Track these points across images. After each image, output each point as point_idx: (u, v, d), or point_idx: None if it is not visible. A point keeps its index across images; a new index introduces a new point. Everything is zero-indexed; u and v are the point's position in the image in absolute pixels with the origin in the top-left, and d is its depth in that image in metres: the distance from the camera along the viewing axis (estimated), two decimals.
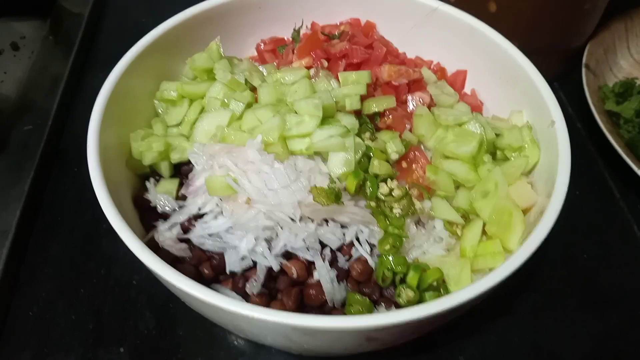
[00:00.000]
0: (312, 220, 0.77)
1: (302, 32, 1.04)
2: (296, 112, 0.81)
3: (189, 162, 0.86)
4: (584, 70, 1.21)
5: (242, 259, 0.76)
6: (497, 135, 0.87)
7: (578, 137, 1.21)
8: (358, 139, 0.80)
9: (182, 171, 0.88)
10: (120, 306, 0.92)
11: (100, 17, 1.46)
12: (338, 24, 1.05)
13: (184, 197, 0.84)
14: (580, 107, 1.24)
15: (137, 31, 1.38)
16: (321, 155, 0.80)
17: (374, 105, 0.84)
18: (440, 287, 0.77)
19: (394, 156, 0.81)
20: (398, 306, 0.77)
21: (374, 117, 0.86)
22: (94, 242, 1.00)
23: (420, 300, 0.77)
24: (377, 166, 0.79)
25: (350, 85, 0.84)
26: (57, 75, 1.25)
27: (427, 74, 0.96)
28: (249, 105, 0.85)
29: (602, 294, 0.97)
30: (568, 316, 0.94)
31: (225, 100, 0.86)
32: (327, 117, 0.81)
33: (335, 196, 0.74)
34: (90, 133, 0.80)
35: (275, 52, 0.99)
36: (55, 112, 1.16)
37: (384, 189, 0.79)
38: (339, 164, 0.77)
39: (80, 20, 1.40)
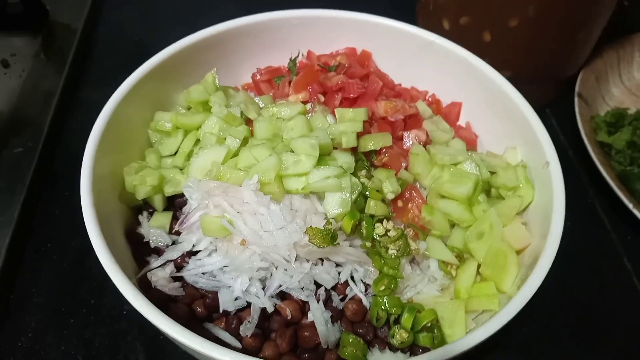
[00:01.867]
0: (307, 260, 0.76)
1: (298, 59, 1.03)
2: (292, 150, 0.81)
3: (182, 195, 0.85)
4: (576, 99, 1.22)
5: (236, 299, 0.76)
6: (491, 172, 0.88)
7: (569, 166, 1.22)
8: (354, 179, 0.80)
9: (175, 204, 0.87)
10: (110, 338, 0.91)
11: (93, 32, 1.43)
12: (334, 52, 1.05)
13: (177, 232, 0.83)
14: (572, 135, 1.24)
15: (131, 46, 1.39)
16: (317, 193, 0.80)
17: (371, 143, 0.84)
18: (435, 328, 0.78)
19: (390, 196, 0.81)
20: (391, 347, 0.77)
21: (370, 153, 0.86)
22: (85, 270, 0.98)
23: (414, 341, 0.77)
24: (374, 207, 0.79)
25: (347, 123, 0.84)
26: (49, 93, 1.22)
27: (422, 108, 0.96)
28: (244, 140, 0.85)
29: (594, 325, 0.98)
30: (561, 348, 0.95)
31: (221, 134, 0.85)
32: (323, 155, 0.81)
33: (331, 238, 0.73)
34: (84, 164, 0.80)
35: (271, 82, 0.99)
36: (47, 132, 1.14)
37: (379, 229, 0.79)
38: (335, 204, 0.77)
39: (73, 35, 1.37)
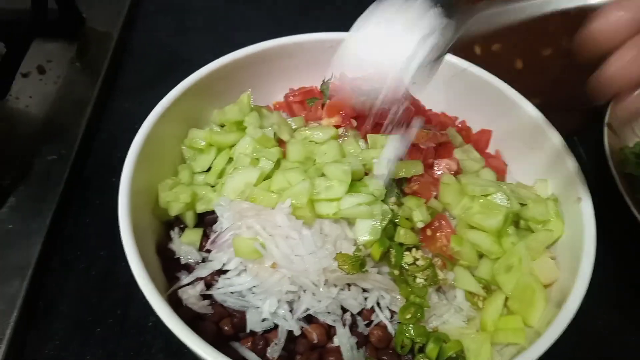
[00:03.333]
0: (335, 285, 0.77)
1: (331, 81, 1.04)
2: (324, 175, 0.82)
3: (213, 212, 0.86)
4: (605, 129, 1.21)
5: (263, 320, 0.77)
6: (521, 204, 0.87)
7: (595, 197, 1.21)
8: (385, 206, 0.81)
9: (206, 221, 0.88)
10: (135, 349, 0.92)
11: (127, 40, 1.45)
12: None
13: (207, 250, 0.84)
14: (598, 164, 1.23)
15: (164, 57, 1.41)
16: (347, 219, 0.80)
17: (402, 171, 0.84)
18: (459, 359, 0.78)
19: (420, 224, 0.81)
20: None
21: (400, 181, 0.86)
22: (112, 280, 1.00)
23: None
24: (403, 235, 0.79)
25: (379, 149, 0.85)
26: (84, 99, 1.24)
27: (452, 135, 0.97)
28: (277, 162, 0.86)
29: None
30: None
31: (254, 155, 0.86)
32: (354, 181, 0.82)
33: (359, 265, 0.74)
34: (123, 178, 0.81)
35: (304, 103, 1.00)
36: (80, 139, 1.16)
37: (408, 257, 0.79)
38: (366, 231, 0.78)
39: (109, 43, 1.39)
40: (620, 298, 1.05)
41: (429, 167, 0.90)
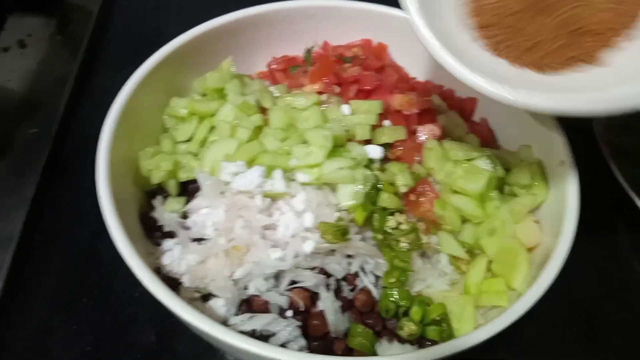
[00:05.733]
0: (318, 253, 0.77)
1: (314, 50, 1.03)
2: (306, 141, 0.81)
3: (195, 181, 0.85)
4: None
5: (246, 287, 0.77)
6: (505, 169, 0.87)
7: (580, 163, 1.22)
8: (367, 171, 0.80)
9: (189, 189, 0.87)
10: (121, 321, 0.92)
11: (108, 15, 1.43)
12: (350, 44, 1.05)
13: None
14: (583, 131, 1.23)
15: (146, 32, 1.38)
16: (330, 185, 0.80)
17: (385, 136, 0.84)
18: (443, 322, 0.78)
19: (403, 189, 0.81)
20: (400, 339, 0.78)
21: (383, 146, 0.86)
22: (97, 253, 0.99)
23: (422, 333, 0.77)
24: (386, 199, 0.79)
25: (362, 115, 0.84)
26: (65, 74, 1.23)
27: (437, 102, 0.96)
28: (258, 129, 0.85)
29: (600, 326, 0.98)
30: (566, 348, 0.95)
31: (236, 122, 0.85)
32: (336, 147, 0.81)
33: (341, 234, 0.74)
34: (100, 147, 0.81)
35: (287, 71, 0.99)
36: (61, 114, 1.15)
37: (391, 222, 0.79)
38: (348, 196, 0.78)
39: (90, 17, 1.37)
40: (602, 262, 1.06)
41: (412, 132, 0.89)
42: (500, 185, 0.87)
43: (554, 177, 0.85)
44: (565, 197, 0.79)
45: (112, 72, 1.28)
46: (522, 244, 0.80)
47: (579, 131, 1.25)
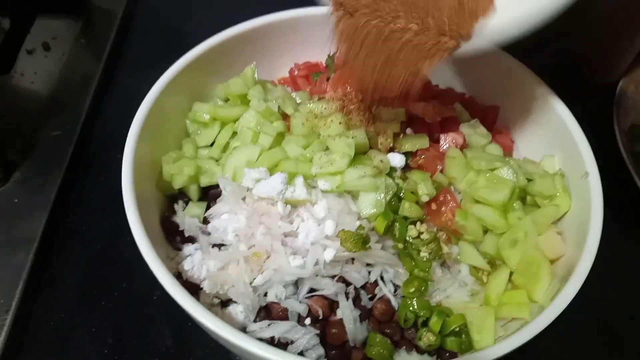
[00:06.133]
0: (337, 262, 0.77)
1: (336, 56, 1.03)
2: (328, 148, 0.81)
3: (217, 186, 0.86)
4: (615, 108, 1.20)
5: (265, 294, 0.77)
6: (528, 180, 0.87)
7: (603, 175, 1.20)
8: (389, 179, 0.80)
9: (210, 195, 0.88)
10: (139, 321, 0.93)
11: (132, 18, 1.45)
12: None
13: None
14: (607, 143, 1.22)
15: (169, 34, 1.40)
16: (351, 193, 0.80)
17: (407, 145, 0.84)
18: (463, 333, 0.77)
19: (425, 198, 0.80)
20: (418, 349, 0.78)
21: (405, 155, 0.85)
22: (117, 254, 1.00)
23: (441, 344, 0.77)
24: (408, 209, 0.79)
25: (384, 123, 0.84)
26: (88, 76, 1.24)
27: (459, 110, 0.96)
28: (280, 135, 0.85)
29: (619, 338, 0.97)
30: (583, 357, 0.94)
31: (258, 128, 0.86)
32: (358, 154, 0.81)
33: (362, 242, 0.74)
34: (126, 150, 0.81)
35: (309, 78, 0.99)
36: (85, 115, 1.16)
37: (412, 231, 0.79)
38: (369, 204, 0.77)
39: (113, 20, 1.39)
40: (626, 274, 1.04)
41: (434, 141, 0.89)
42: (523, 196, 0.86)
43: (577, 188, 0.84)
44: (589, 209, 0.79)
45: (135, 74, 1.30)
46: (545, 256, 0.79)
47: (602, 141, 1.24)
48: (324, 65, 1.01)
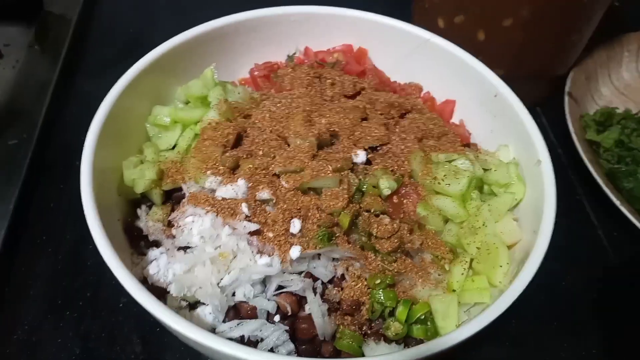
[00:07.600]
0: (304, 257, 0.78)
1: (296, 56, 1.04)
2: (289, 145, 0.82)
3: (180, 189, 0.86)
4: (566, 98, 1.24)
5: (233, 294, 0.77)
6: (484, 169, 0.89)
7: (558, 164, 1.24)
8: (352, 175, 0.81)
9: (173, 198, 0.88)
10: (107, 330, 0.92)
11: (88, 22, 1.42)
12: (331, 49, 1.06)
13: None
14: (561, 134, 1.27)
15: (126, 38, 1.38)
16: (314, 189, 0.81)
17: (368, 139, 0.85)
18: (428, 320, 0.79)
19: (387, 192, 0.82)
20: (386, 339, 0.79)
21: (367, 150, 0.87)
22: (80, 262, 0.99)
23: (408, 333, 0.79)
24: (370, 202, 0.80)
25: (346, 119, 0.85)
26: (44, 84, 1.22)
27: (417, 104, 0.98)
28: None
29: (581, 320, 1.01)
30: (549, 340, 0.97)
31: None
32: (321, 151, 0.82)
33: (327, 239, 0.75)
34: (84, 157, 0.80)
35: (269, 78, 1.00)
36: (42, 123, 1.14)
37: (376, 224, 0.80)
38: (333, 199, 0.78)
39: (68, 26, 1.36)
40: (586, 259, 1.09)
41: (394, 135, 0.90)
42: (480, 185, 0.89)
43: (531, 176, 0.87)
44: (543, 195, 0.82)
45: (92, 79, 1.27)
46: (503, 242, 0.82)
47: (555, 130, 1.29)
48: (284, 64, 1.02)
